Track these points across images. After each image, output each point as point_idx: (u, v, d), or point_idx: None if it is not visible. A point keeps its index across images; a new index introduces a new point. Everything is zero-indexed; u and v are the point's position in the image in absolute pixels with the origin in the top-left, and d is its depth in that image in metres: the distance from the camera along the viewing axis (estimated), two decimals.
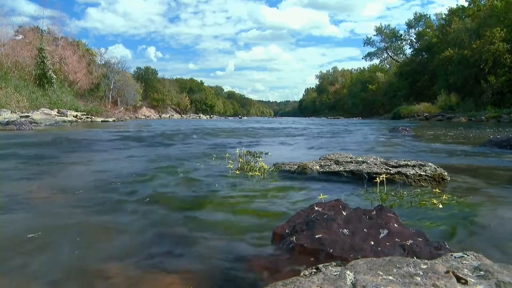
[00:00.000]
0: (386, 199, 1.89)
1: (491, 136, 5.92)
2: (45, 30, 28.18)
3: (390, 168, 2.48)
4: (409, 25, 45.76)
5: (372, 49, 50.94)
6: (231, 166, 2.80)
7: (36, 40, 24.88)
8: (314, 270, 0.89)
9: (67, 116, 17.72)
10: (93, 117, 21.70)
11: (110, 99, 37.01)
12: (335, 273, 0.82)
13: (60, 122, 15.26)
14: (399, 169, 2.44)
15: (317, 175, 2.61)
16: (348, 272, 0.82)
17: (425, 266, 0.83)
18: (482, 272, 0.80)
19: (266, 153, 4.14)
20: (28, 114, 15.09)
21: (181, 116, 55.32)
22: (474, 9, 30.64)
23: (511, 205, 1.88)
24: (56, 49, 27.20)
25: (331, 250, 1.10)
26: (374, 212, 1.31)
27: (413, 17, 45.57)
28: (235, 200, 1.95)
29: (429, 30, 41.14)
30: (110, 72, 37.33)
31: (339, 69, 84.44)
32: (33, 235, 1.41)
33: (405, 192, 2.01)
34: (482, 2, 30.45)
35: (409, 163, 2.56)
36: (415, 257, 0.99)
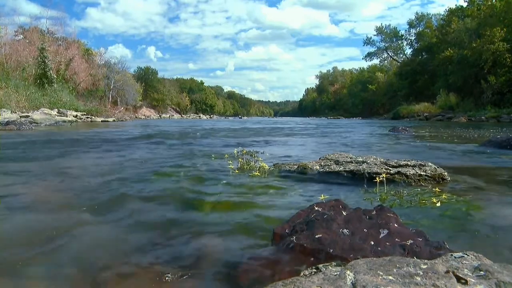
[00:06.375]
0: (386, 199, 1.89)
1: (491, 136, 5.93)
2: (45, 30, 28.17)
3: (390, 168, 2.48)
4: (411, 24, 45.72)
5: (372, 49, 50.95)
6: (232, 167, 2.80)
7: (37, 40, 24.86)
8: (314, 270, 0.89)
9: (67, 116, 17.70)
10: (93, 117, 21.66)
11: (110, 99, 36.97)
12: (335, 273, 0.82)
13: (60, 122, 15.24)
14: (399, 169, 2.44)
15: (317, 175, 2.61)
16: (348, 272, 0.82)
17: (425, 266, 0.83)
18: (482, 272, 0.80)
19: (268, 153, 4.14)
20: (28, 114, 15.08)
21: (181, 116, 55.30)
22: (474, 9, 30.59)
23: (511, 204, 1.88)
24: (59, 49, 27.15)
25: (331, 250, 1.10)
26: (374, 212, 1.31)
27: (414, 16, 45.65)
28: (234, 200, 1.95)
29: (428, 31, 41.07)
30: (110, 72, 37.30)
31: (339, 69, 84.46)
32: (32, 235, 1.41)
33: (405, 192, 2.01)
34: (480, 2, 30.36)
35: (409, 163, 2.56)
36: (415, 257, 0.99)
